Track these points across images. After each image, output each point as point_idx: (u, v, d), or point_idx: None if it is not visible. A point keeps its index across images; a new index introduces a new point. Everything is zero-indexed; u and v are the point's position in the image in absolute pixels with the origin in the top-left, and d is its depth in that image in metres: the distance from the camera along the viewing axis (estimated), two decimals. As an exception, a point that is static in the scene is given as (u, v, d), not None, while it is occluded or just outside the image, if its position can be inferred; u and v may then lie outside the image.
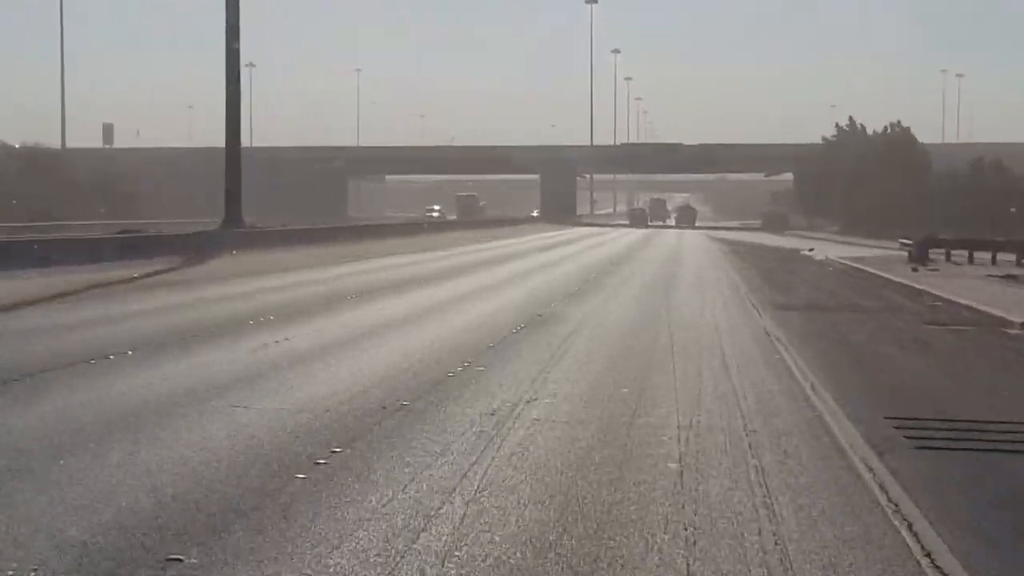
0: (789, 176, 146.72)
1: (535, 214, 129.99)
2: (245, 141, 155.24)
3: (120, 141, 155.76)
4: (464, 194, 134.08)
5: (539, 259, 46.99)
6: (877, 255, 53.14)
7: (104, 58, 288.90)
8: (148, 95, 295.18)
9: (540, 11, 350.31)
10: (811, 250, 60.64)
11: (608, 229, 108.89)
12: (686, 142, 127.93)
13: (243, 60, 45.51)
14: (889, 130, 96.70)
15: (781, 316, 24.62)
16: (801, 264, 48.45)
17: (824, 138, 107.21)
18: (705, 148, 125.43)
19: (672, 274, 38.42)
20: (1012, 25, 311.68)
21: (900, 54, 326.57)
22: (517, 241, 68.12)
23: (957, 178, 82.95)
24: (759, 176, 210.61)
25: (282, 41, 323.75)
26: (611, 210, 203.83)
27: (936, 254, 47.00)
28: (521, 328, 20.41)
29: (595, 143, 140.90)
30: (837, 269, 43.97)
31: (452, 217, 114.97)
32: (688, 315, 24.14)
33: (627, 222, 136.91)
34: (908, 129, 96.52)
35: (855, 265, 44.49)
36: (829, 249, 61.77)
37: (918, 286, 32.99)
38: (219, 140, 46.96)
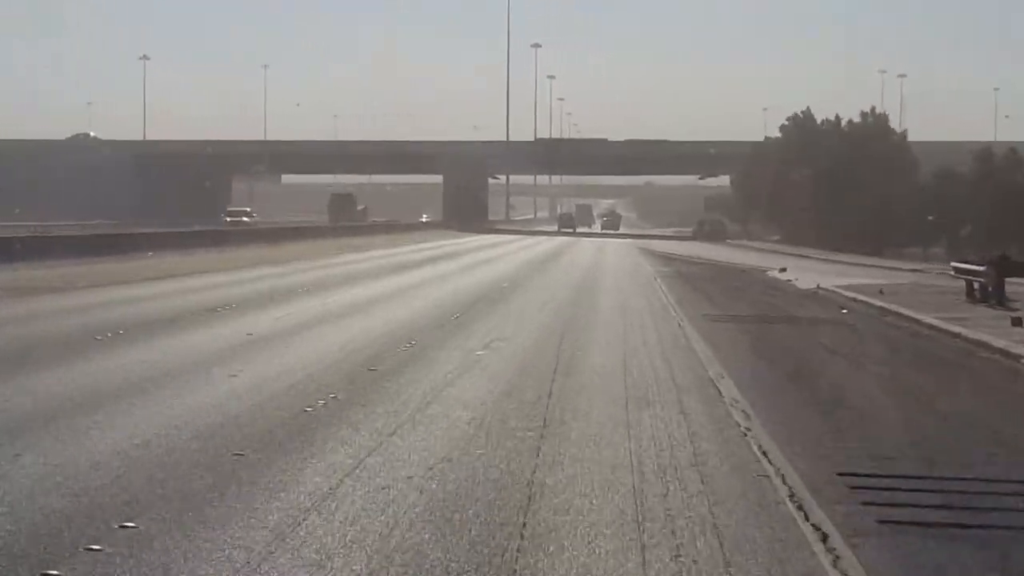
0: (724, 181, 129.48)
1: (425, 219, 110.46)
2: (136, 135, 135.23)
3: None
4: (339, 193, 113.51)
5: (358, 294, 27.86)
6: (893, 283, 34.56)
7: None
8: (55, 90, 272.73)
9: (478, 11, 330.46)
10: (783, 271, 42.07)
11: (520, 237, 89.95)
12: (612, 138, 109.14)
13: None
14: (865, 119, 78.28)
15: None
16: (793, 303, 29.53)
17: (769, 136, 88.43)
18: (632, 145, 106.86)
19: (571, 339, 19.39)
20: (945, 24, 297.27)
21: (836, 55, 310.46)
22: (384, 254, 49.18)
23: (953, 176, 64.71)
24: (689, 180, 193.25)
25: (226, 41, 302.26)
26: (531, 215, 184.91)
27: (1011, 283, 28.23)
28: None
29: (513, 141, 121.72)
30: (872, 319, 25.04)
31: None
32: None
33: (544, 229, 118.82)
34: (885, 116, 78.22)
35: (892, 308, 25.80)
36: (801, 269, 43.25)
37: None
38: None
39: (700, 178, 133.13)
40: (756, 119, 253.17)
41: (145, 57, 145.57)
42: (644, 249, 68.38)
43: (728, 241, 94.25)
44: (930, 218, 68.41)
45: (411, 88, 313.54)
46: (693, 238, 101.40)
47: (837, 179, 74.04)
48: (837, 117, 79.41)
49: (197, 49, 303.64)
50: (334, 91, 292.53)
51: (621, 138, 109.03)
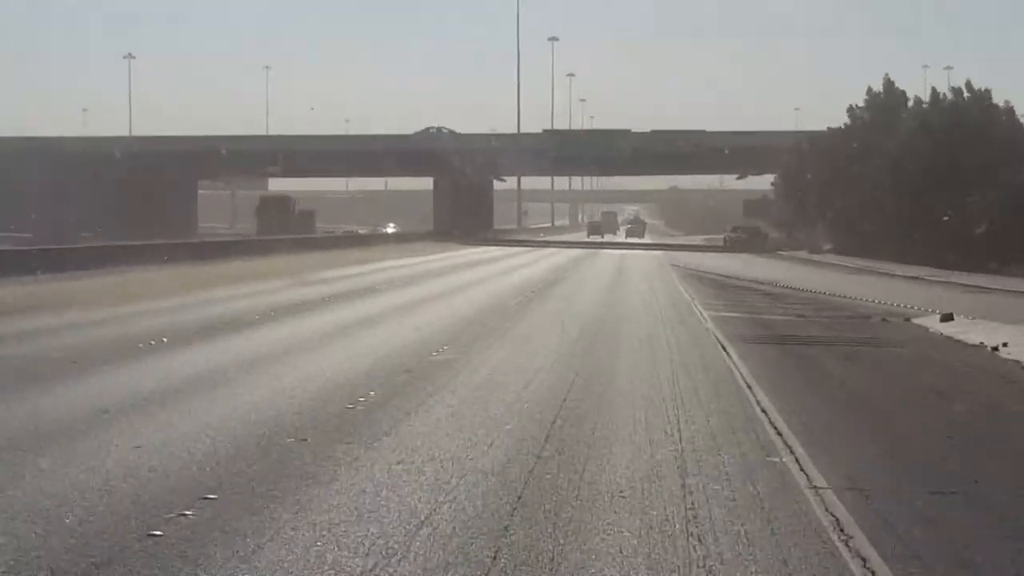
0: (759, 183, 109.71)
1: (391, 229, 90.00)
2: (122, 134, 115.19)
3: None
4: (270, 195, 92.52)
5: None
6: None
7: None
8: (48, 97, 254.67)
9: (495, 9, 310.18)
10: (947, 320, 22.16)
11: (524, 250, 70.07)
12: (635, 129, 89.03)
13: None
14: (959, 96, 58.10)
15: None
16: None
17: (852, 108, 67.67)
18: (659, 136, 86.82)
19: None
20: (979, 20, 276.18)
21: (871, 52, 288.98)
22: (268, 289, 29.84)
23: None
24: (716, 182, 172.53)
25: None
26: (548, 223, 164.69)
27: None
28: None
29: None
30: None
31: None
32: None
33: (559, 239, 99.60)
34: (989, 99, 57.86)
35: None
36: (972, 315, 23.62)
37: None
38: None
39: (738, 177, 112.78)
40: (787, 120, 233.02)
41: (130, 56, 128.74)
42: (680, 267, 48.57)
43: (780, 253, 74.30)
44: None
45: (422, 92, 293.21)
46: (727, 249, 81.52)
47: (935, 171, 54.16)
48: (935, 91, 59.13)
49: (197, 49, 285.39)
50: (344, 95, 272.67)
51: (646, 128, 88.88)
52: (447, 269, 42.34)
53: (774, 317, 24.05)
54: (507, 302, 25.71)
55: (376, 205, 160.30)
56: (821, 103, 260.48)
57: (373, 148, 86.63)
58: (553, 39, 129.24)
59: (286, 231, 68.73)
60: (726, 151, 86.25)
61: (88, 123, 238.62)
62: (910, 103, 64.06)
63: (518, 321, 21.12)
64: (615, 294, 29.73)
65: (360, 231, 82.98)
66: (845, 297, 30.64)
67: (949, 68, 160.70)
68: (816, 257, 65.78)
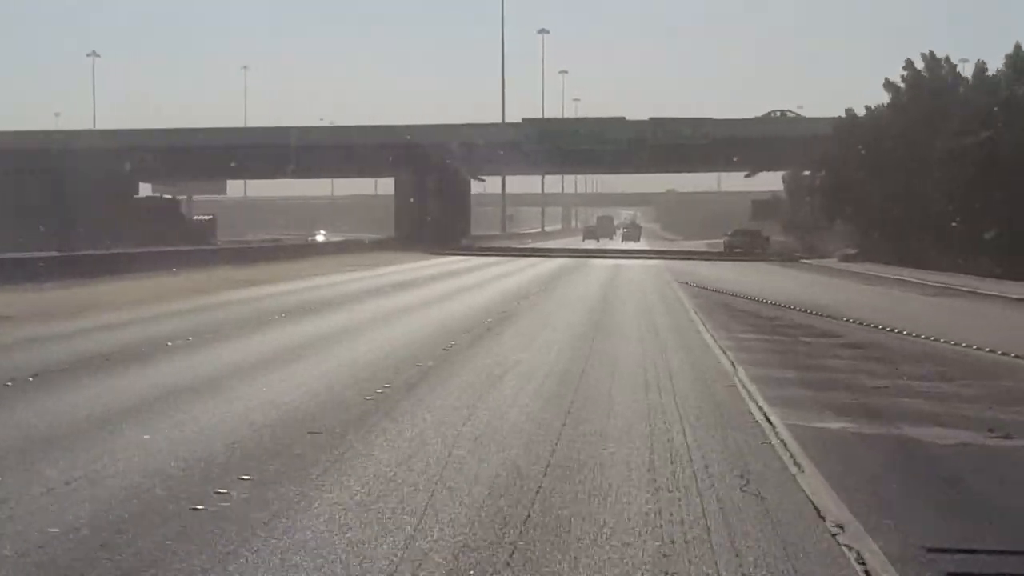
0: (763, 182, 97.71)
1: (320, 237, 77.19)
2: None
3: None
4: (150, 197, 78.81)
5: None
6: None
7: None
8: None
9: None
10: None
11: (493, 261, 57.47)
12: (631, 116, 76.30)
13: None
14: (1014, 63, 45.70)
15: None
16: None
17: (889, 82, 55.01)
18: (659, 124, 74.05)
19: None
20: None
21: (873, 52, 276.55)
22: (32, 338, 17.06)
23: None
24: (714, 184, 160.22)
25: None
26: (538, 228, 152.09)
27: None
28: None
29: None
30: None
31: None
32: None
33: (545, 245, 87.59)
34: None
35: None
36: None
37: None
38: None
39: (747, 175, 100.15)
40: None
41: (94, 54, 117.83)
42: (690, 285, 35.79)
43: (804, 261, 61.78)
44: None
45: (416, 92, 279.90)
46: (728, 254, 69.53)
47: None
48: (1020, 47, 46.47)
49: (198, 49, 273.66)
50: (343, 96, 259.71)
51: (645, 117, 75.90)
52: (368, 292, 29.68)
53: (929, 432, 11.21)
54: (398, 376, 13.00)
55: (362, 210, 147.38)
56: (825, 103, 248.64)
57: (320, 142, 73.73)
58: (543, 31, 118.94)
59: (171, 242, 55.05)
60: (735, 153, 74.02)
61: (61, 126, 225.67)
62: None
63: (359, 455, 8.42)
64: (592, 362, 16.40)
65: (284, 240, 69.92)
66: (978, 349, 18.09)
67: (964, 60, 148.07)
68: (852, 267, 53.17)
